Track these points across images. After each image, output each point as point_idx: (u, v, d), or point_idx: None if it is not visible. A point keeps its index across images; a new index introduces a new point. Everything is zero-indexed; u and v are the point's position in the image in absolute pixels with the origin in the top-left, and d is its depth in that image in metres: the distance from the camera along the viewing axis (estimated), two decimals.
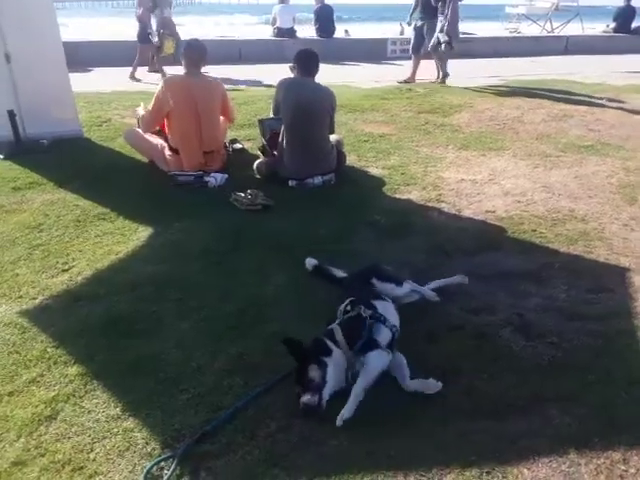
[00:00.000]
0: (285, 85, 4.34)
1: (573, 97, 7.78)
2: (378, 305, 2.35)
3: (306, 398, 1.96)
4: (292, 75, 4.48)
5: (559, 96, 7.79)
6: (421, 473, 1.75)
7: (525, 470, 1.75)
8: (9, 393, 2.09)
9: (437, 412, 2.02)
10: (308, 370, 2.02)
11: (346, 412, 1.93)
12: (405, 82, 8.90)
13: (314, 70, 4.32)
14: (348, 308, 2.31)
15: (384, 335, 2.21)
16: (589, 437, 1.87)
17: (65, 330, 2.47)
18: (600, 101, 7.46)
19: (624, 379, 2.18)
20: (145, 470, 1.76)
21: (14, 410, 2.01)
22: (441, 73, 9.01)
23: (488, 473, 1.74)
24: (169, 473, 1.75)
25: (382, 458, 1.81)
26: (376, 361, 2.11)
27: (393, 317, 2.35)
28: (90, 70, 9.88)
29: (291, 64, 4.46)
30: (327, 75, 8.75)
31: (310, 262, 2.97)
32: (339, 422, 1.91)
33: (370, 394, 2.06)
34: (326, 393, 2.00)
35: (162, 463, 1.79)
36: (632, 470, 1.74)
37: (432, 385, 2.10)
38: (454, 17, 8.36)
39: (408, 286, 2.66)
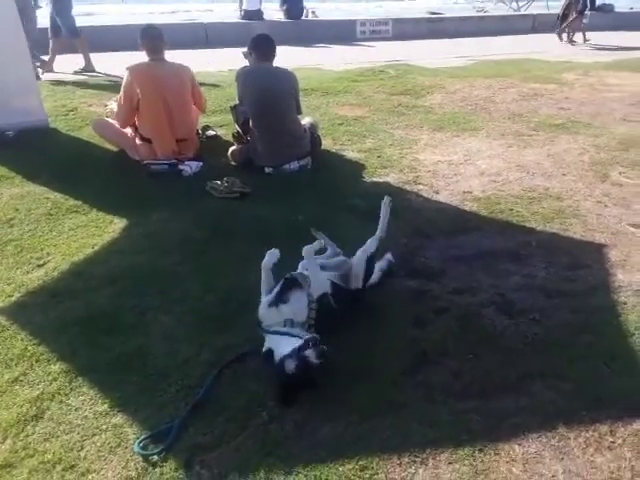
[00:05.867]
0: (244, 74, 4.27)
1: (542, 75, 7.87)
2: None
3: None
4: (247, 61, 4.43)
5: (528, 75, 7.88)
6: (415, 454, 1.77)
7: (516, 446, 1.79)
8: None
9: (427, 394, 2.04)
10: None
11: None
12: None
13: (272, 55, 4.25)
14: None
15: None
16: (576, 411, 1.92)
17: (45, 327, 2.41)
18: None
19: (606, 353, 2.24)
20: (140, 439, 1.82)
21: None
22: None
23: (480, 451, 1.77)
24: (169, 439, 1.81)
25: (375, 441, 1.82)
26: None
27: None
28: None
29: (245, 50, 4.39)
30: (297, 58, 8.73)
31: None
32: None
33: (356, 378, 2.11)
34: None
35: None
36: (619, 441, 1.80)
37: None
38: None
39: None
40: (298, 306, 2.22)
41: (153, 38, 4.25)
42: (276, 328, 2.16)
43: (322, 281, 2.38)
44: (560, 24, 12.38)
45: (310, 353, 1.94)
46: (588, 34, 12.44)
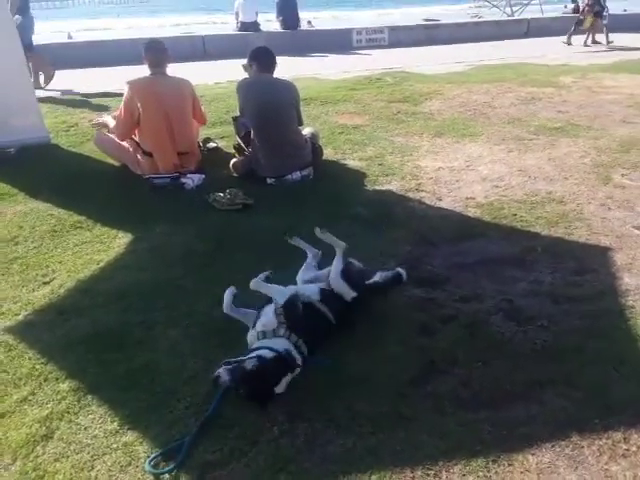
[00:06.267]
0: (245, 86, 4.29)
1: (539, 79, 7.89)
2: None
3: None
4: (246, 74, 4.45)
5: (526, 79, 7.90)
6: (428, 467, 1.75)
7: (530, 456, 1.77)
8: (0, 415, 2.03)
9: (436, 404, 2.03)
10: None
11: None
12: None
13: (273, 66, 4.29)
14: None
15: None
16: (588, 419, 1.91)
17: (52, 345, 2.40)
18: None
19: (615, 358, 2.23)
20: (151, 457, 1.81)
21: (7, 432, 1.95)
22: None
23: (494, 462, 1.76)
24: (180, 456, 1.80)
25: (387, 455, 1.81)
26: None
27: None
28: None
29: (245, 63, 4.41)
30: (295, 68, 8.76)
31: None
32: None
33: (364, 390, 2.10)
34: None
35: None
36: (633, 448, 1.78)
37: None
38: None
39: None
40: (266, 318, 2.29)
41: (157, 52, 4.30)
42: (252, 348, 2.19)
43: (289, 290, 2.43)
44: (575, 28, 12.45)
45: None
46: (584, 37, 12.48)
